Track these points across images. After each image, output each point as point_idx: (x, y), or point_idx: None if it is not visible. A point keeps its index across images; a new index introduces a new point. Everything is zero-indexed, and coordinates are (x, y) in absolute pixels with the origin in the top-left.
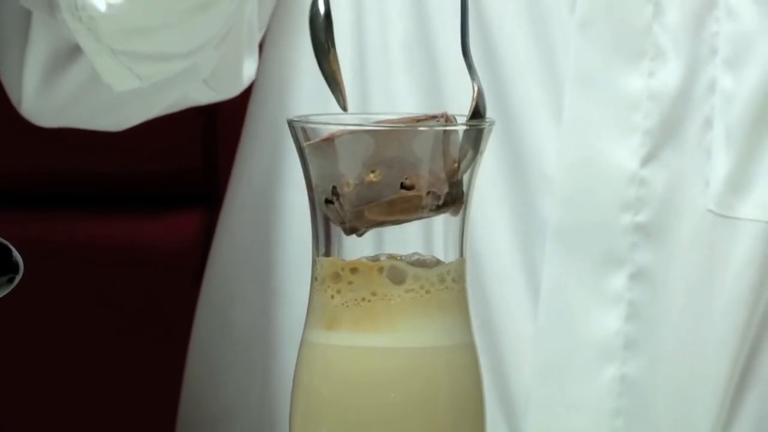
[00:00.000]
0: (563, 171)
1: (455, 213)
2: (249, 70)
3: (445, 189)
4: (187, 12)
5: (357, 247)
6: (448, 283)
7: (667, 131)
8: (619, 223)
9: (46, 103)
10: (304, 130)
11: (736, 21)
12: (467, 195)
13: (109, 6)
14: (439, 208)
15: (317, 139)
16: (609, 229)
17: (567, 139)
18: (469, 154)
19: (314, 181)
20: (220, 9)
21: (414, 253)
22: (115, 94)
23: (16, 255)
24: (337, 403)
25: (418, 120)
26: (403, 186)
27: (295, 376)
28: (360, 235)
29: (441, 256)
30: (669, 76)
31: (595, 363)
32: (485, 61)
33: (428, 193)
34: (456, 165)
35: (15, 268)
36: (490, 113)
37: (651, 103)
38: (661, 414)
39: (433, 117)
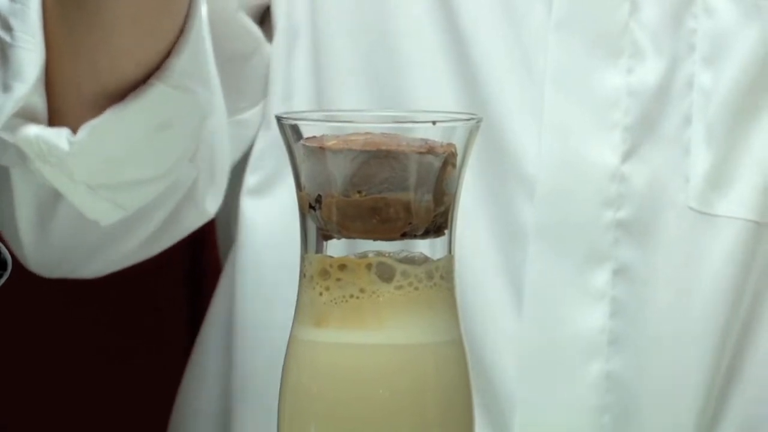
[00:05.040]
0: (545, 170)
1: (436, 237)
2: (212, 201)
3: (429, 219)
4: (148, 135)
5: (345, 244)
6: (437, 280)
7: (647, 127)
8: (601, 220)
9: (45, 253)
10: (293, 127)
11: (714, 18)
12: (456, 195)
13: (72, 143)
14: (419, 236)
15: (311, 144)
16: (591, 226)
17: (548, 138)
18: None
19: (302, 181)
20: (182, 125)
21: (402, 250)
22: (105, 230)
23: (5, 252)
24: (326, 399)
25: (421, 152)
26: (387, 212)
27: (283, 373)
28: (339, 238)
29: (429, 253)
30: (647, 72)
31: (581, 360)
32: (460, 65)
33: (410, 223)
34: (444, 198)
35: (3, 265)
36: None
37: (630, 99)
38: (647, 410)
39: (430, 150)
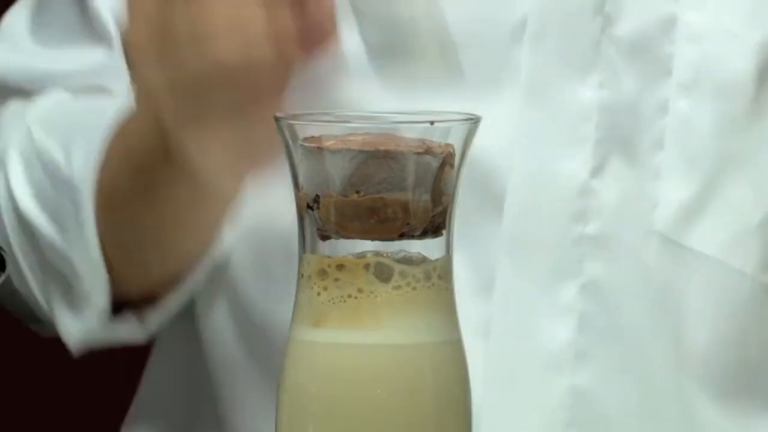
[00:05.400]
0: (516, 184)
1: (434, 238)
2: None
3: (427, 219)
4: None
5: (343, 244)
6: (434, 280)
7: (616, 144)
8: (570, 235)
9: None
10: (291, 128)
11: (700, 46)
12: (454, 195)
13: (145, 334)
14: (417, 236)
15: (309, 144)
16: (559, 241)
17: (519, 152)
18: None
19: (300, 181)
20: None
21: (400, 250)
22: None
23: (4, 251)
24: (324, 399)
25: (419, 153)
26: (385, 212)
27: (281, 373)
28: (337, 238)
29: (427, 254)
30: (619, 89)
31: (547, 374)
32: None
33: (408, 223)
34: (442, 198)
35: (2, 265)
36: None
37: (601, 114)
38: (614, 426)
39: (428, 150)
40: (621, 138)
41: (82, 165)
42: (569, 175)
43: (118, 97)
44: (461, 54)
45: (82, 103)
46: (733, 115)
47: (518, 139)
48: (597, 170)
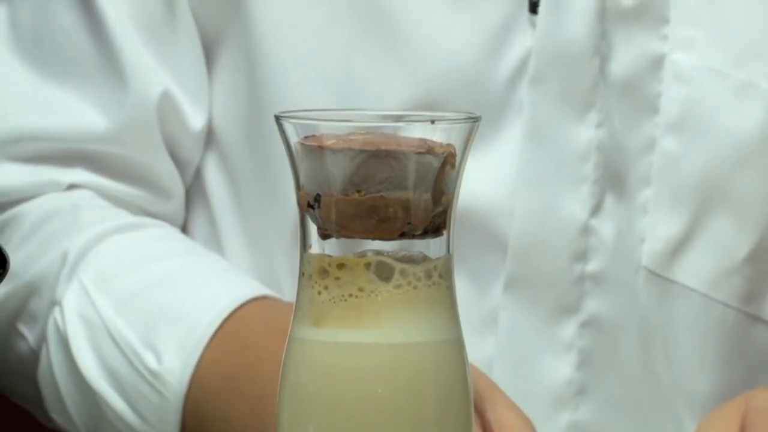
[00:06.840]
0: (519, 224)
1: (435, 238)
2: None
3: (428, 219)
4: None
5: (344, 243)
6: (435, 279)
7: (611, 183)
8: (571, 273)
9: None
10: (292, 126)
11: (687, 86)
12: (455, 195)
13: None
14: (417, 236)
15: (310, 143)
16: (561, 279)
17: (521, 193)
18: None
19: (301, 180)
20: None
21: (401, 249)
22: None
23: (4, 250)
24: (324, 398)
25: (420, 152)
26: (386, 211)
27: (282, 373)
28: (338, 237)
29: (427, 252)
30: (613, 127)
31: (550, 410)
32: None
33: (409, 223)
34: (443, 198)
35: (3, 263)
36: None
37: (598, 154)
38: None
39: (429, 150)
40: (614, 177)
41: (175, 367)
42: (570, 214)
43: (164, 227)
44: (461, 96)
45: (135, 260)
46: (719, 152)
47: (519, 179)
48: (595, 209)
